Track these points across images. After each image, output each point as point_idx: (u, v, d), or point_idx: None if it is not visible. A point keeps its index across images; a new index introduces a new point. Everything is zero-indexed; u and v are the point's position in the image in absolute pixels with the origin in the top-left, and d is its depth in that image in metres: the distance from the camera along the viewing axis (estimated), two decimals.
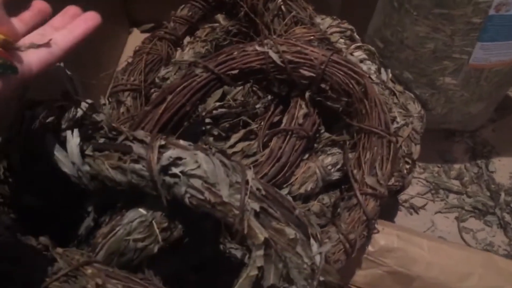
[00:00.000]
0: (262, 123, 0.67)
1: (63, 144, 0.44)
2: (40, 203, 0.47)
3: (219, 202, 0.41)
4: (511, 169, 0.88)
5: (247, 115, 0.72)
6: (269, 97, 0.71)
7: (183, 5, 0.84)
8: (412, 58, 0.74)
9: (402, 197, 0.84)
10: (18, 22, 0.39)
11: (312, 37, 0.69)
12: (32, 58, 0.36)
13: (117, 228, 0.44)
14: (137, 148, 0.43)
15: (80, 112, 0.46)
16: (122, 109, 0.71)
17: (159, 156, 0.43)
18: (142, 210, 0.45)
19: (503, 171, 0.87)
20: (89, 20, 0.42)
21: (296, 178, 0.62)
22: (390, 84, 0.75)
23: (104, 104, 0.72)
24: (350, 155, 0.62)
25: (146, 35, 0.86)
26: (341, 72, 0.60)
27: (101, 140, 0.46)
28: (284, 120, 0.63)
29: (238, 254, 0.56)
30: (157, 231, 0.45)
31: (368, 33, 0.81)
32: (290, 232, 0.42)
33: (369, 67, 0.73)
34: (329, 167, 0.64)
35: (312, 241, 0.43)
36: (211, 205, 0.42)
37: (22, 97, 0.46)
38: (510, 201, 0.83)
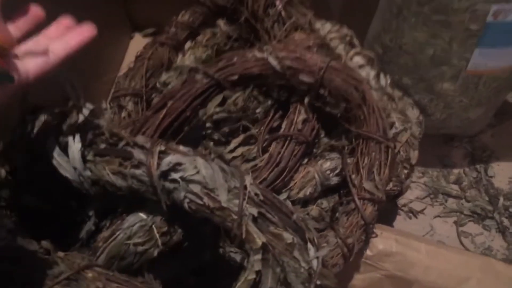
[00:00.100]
0: (262, 128, 0.68)
1: (64, 148, 0.45)
2: (40, 203, 0.47)
3: (217, 207, 0.42)
4: (510, 174, 0.88)
5: (247, 120, 0.73)
6: (269, 102, 0.71)
7: (184, 11, 0.85)
8: (410, 64, 0.74)
9: (401, 201, 0.84)
10: (13, 28, 0.40)
11: (311, 43, 0.69)
12: (29, 66, 0.37)
13: (118, 232, 0.45)
14: (138, 154, 0.44)
15: (81, 118, 0.47)
16: (123, 114, 0.72)
17: (159, 161, 0.43)
18: (142, 215, 0.46)
19: (502, 176, 0.88)
20: (85, 32, 0.43)
21: (295, 183, 0.63)
22: (389, 90, 0.75)
23: (106, 109, 0.73)
24: (349, 160, 0.63)
25: (148, 39, 0.87)
26: (340, 78, 0.61)
27: (102, 146, 0.46)
28: (283, 126, 0.64)
29: (238, 258, 0.56)
30: (157, 235, 0.46)
31: (367, 39, 0.82)
32: (288, 236, 0.43)
33: (368, 72, 0.73)
34: (328, 172, 0.64)
35: (309, 245, 0.44)
36: (210, 210, 0.42)
37: (23, 102, 0.47)
38: (509, 205, 0.83)
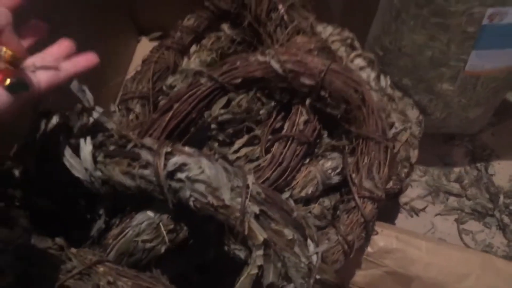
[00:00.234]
0: (265, 129, 0.70)
1: (75, 150, 0.47)
2: (52, 203, 0.50)
3: (221, 205, 0.44)
4: (510, 172, 0.89)
5: (251, 121, 0.75)
6: (272, 103, 0.73)
7: (189, 15, 0.88)
8: (410, 65, 0.76)
9: (403, 199, 0.86)
10: (21, 40, 0.42)
11: (312, 46, 0.71)
12: (41, 77, 0.40)
13: (127, 230, 0.47)
14: (145, 155, 0.46)
15: (91, 121, 0.49)
16: (131, 116, 0.74)
17: (165, 162, 0.46)
18: (150, 213, 0.48)
19: (502, 174, 0.89)
20: (89, 60, 0.45)
21: (297, 182, 0.65)
22: (389, 91, 0.77)
23: (114, 112, 0.76)
24: (349, 160, 0.65)
25: (155, 43, 0.89)
26: (339, 81, 0.63)
27: (112, 147, 0.49)
28: (286, 127, 0.66)
29: (242, 254, 0.58)
30: (164, 232, 0.48)
31: (368, 41, 0.84)
32: (289, 233, 0.45)
33: (368, 74, 0.75)
34: (329, 171, 0.66)
35: (309, 241, 0.46)
36: (214, 208, 0.45)
37: (37, 106, 0.50)
38: (509, 203, 0.85)
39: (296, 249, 0.45)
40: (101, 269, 0.42)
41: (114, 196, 0.48)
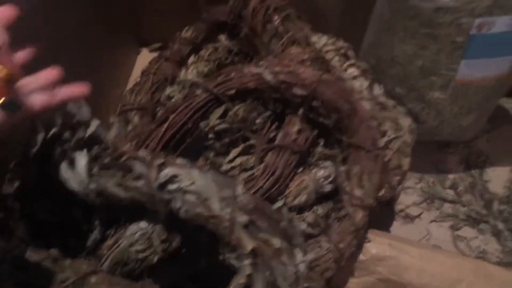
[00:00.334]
0: (260, 139, 0.72)
1: (71, 162, 0.49)
2: (49, 215, 0.51)
3: (211, 215, 0.46)
4: (504, 178, 0.90)
5: (247, 130, 0.76)
6: (268, 113, 0.75)
7: (187, 27, 0.89)
8: (402, 74, 0.77)
9: (398, 206, 0.87)
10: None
11: (306, 57, 0.73)
12: (35, 99, 0.41)
13: (121, 240, 0.49)
14: (138, 167, 0.48)
15: (88, 134, 0.51)
16: (130, 127, 0.75)
17: (157, 174, 0.47)
18: (143, 224, 0.50)
19: (497, 180, 0.90)
20: (84, 89, 0.47)
21: (291, 191, 0.66)
22: (382, 99, 0.78)
23: (113, 123, 0.77)
24: (342, 169, 0.66)
25: (155, 54, 0.91)
26: (331, 91, 0.64)
27: (107, 159, 0.50)
28: (279, 136, 0.68)
29: (236, 263, 0.60)
30: (157, 242, 0.49)
31: (362, 50, 0.85)
32: (277, 242, 0.47)
33: (361, 83, 0.76)
34: (322, 180, 0.67)
35: (296, 250, 0.47)
36: (204, 218, 0.46)
37: (34, 121, 0.51)
38: (503, 209, 0.86)
39: (284, 258, 0.46)
40: (94, 279, 0.44)
41: (109, 208, 0.50)
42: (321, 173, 0.67)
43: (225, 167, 0.70)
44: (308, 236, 0.64)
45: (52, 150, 0.49)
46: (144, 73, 0.85)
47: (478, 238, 0.84)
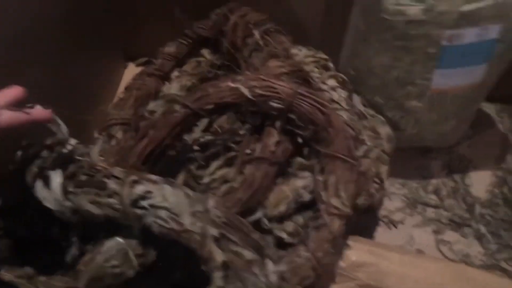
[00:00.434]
0: (240, 151, 0.73)
1: (47, 181, 0.51)
2: (33, 236, 0.53)
3: (182, 230, 0.47)
4: (486, 182, 0.91)
5: (231, 142, 0.78)
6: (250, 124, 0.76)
7: (169, 42, 0.91)
8: (379, 84, 0.79)
9: (382, 212, 0.88)
10: None
11: (284, 70, 0.74)
12: (2, 118, 0.43)
13: (97, 256, 0.50)
14: (112, 184, 0.50)
15: (64, 152, 0.52)
16: (113, 142, 0.77)
17: (130, 191, 0.49)
18: (119, 239, 0.51)
19: (479, 185, 0.91)
20: (46, 115, 0.49)
21: (270, 201, 0.68)
22: (362, 109, 0.80)
23: (98, 138, 0.79)
24: (319, 178, 0.68)
25: (142, 68, 0.92)
26: (306, 103, 0.65)
27: (83, 177, 0.52)
28: (257, 148, 0.69)
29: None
30: (133, 257, 0.51)
31: (341, 61, 0.87)
32: (248, 254, 0.48)
33: (340, 94, 0.78)
34: (301, 190, 0.69)
35: (267, 261, 0.49)
36: (176, 233, 0.48)
37: (17, 140, 0.53)
38: (485, 213, 0.87)
39: (255, 269, 0.47)
40: None
41: (85, 224, 0.51)
42: (299, 183, 0.69)
43: (206, 179, 0.71)
44: (288, 246, 0.65)
45: (27, 169, 0.50)
46: (127, 88, 0.86)
47: (461, 242, 0.85)
